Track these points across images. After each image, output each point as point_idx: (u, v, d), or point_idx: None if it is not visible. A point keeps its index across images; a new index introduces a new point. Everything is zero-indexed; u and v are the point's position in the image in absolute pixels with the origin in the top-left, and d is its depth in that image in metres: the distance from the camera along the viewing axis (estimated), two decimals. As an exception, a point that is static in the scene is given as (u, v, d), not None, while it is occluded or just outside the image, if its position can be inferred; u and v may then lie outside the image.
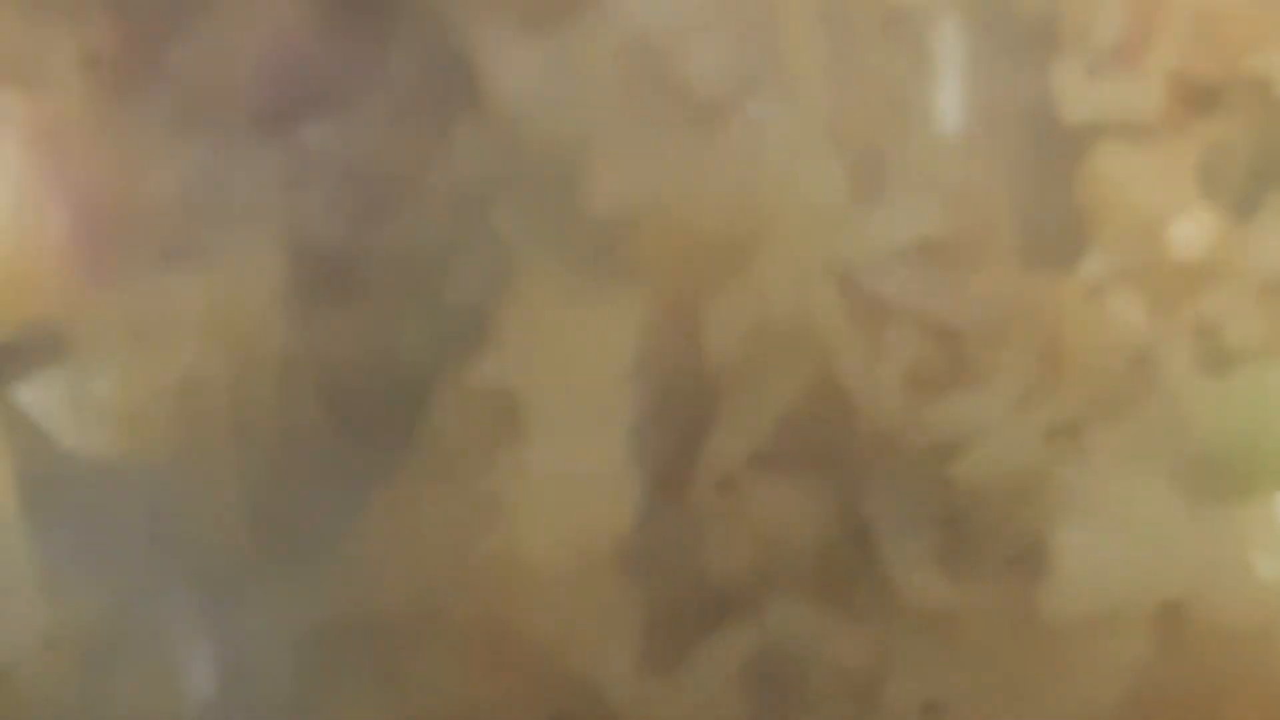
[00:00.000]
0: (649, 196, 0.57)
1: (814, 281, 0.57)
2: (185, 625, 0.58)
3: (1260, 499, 0.56)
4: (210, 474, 0.58)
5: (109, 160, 0.60)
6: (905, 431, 0.57)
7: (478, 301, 0.57)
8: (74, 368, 0.60)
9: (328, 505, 0.56)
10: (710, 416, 0.57)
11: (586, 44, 0.58)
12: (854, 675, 0.56)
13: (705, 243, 0.57)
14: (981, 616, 0.56)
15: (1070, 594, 0.54)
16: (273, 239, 0.59)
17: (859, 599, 0.57)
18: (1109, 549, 0.55)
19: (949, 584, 0.56)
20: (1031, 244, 0.60)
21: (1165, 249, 0.61)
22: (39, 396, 0.59)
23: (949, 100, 0.62)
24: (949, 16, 0.63)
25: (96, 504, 0.58)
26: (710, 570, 0.57)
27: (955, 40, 0.62)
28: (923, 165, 0.60)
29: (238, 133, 0.59)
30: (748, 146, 0.58)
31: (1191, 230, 0.61)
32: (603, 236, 0.58)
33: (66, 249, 0.59)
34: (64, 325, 0.59)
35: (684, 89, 0.59)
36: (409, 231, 0.59)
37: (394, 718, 0.56)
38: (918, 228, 0.59)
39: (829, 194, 0.58)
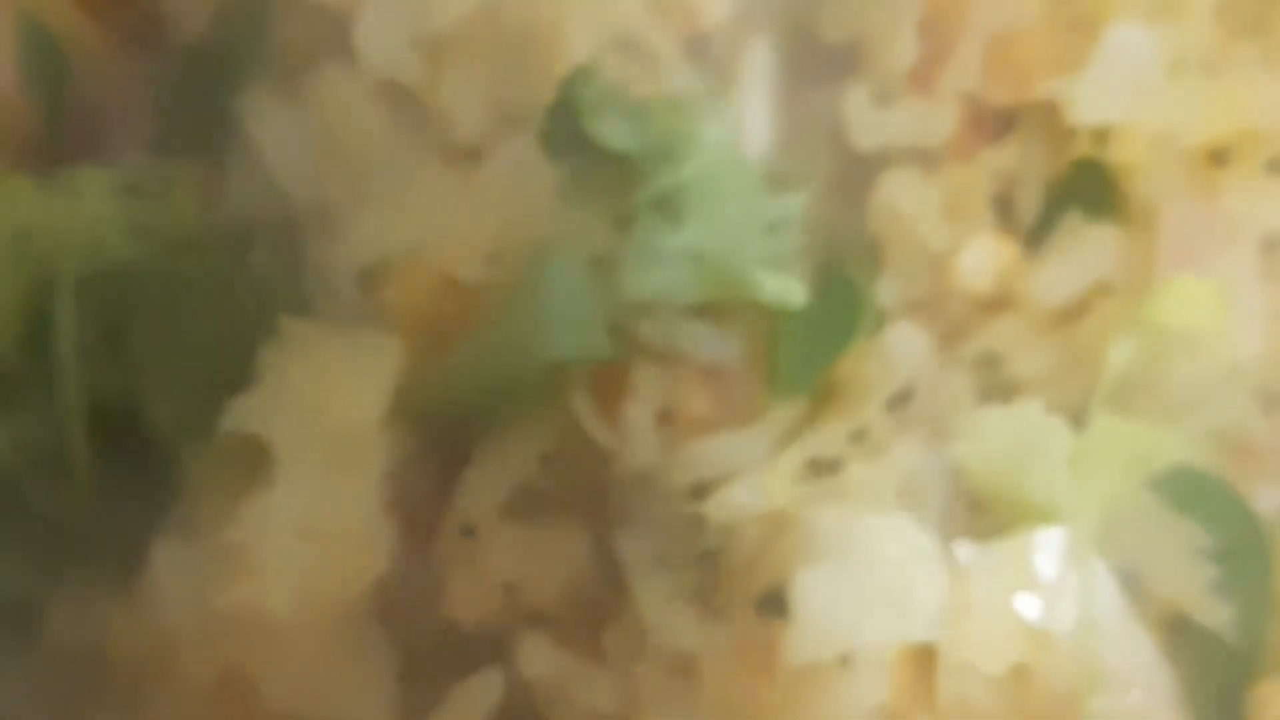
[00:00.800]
0: (405, 241, 0.57)
1: (570, 324, 0.57)
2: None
3: (1019, 537, 0.55)
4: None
5: None
6: (661, 472, 0.57)
7: (237, 345, 0.57)
8: None
9: (75, 555, 0.57)
10: (462, 462, 0.57)
11: (339, 89, 0.58)
12: (602, 718, 0.56)
13: (461, 287, 0.57)
14: (727, 659, 0.55)
15: (809, 636, 0.54)
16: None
17: (609, 641, 0.56)
18: (852, 590, 0.54)
19: (698, 626, 0.55)
20: (818, 276, 0.59)
21: (953, 280, 0.59)
22: None
23: (750, 127, 0.62)
24: (754, 39, 0.62)
25: None
26: (460, 616, 0.56)
27: (758, 66, 0.62)
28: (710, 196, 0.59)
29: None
30: (507, 188, 0.58)
31: (980, 260, 0.60)
32: (358, 280, 0.58)
33: None
34: None
35: (440, 130, 0.58)
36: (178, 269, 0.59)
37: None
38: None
39: (594, 235, 0.58)
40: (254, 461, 0.55)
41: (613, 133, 0.58)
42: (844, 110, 0.61)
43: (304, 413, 0.55)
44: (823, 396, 0.58)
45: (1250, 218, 0.59)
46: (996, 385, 0.58)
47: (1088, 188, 0.59)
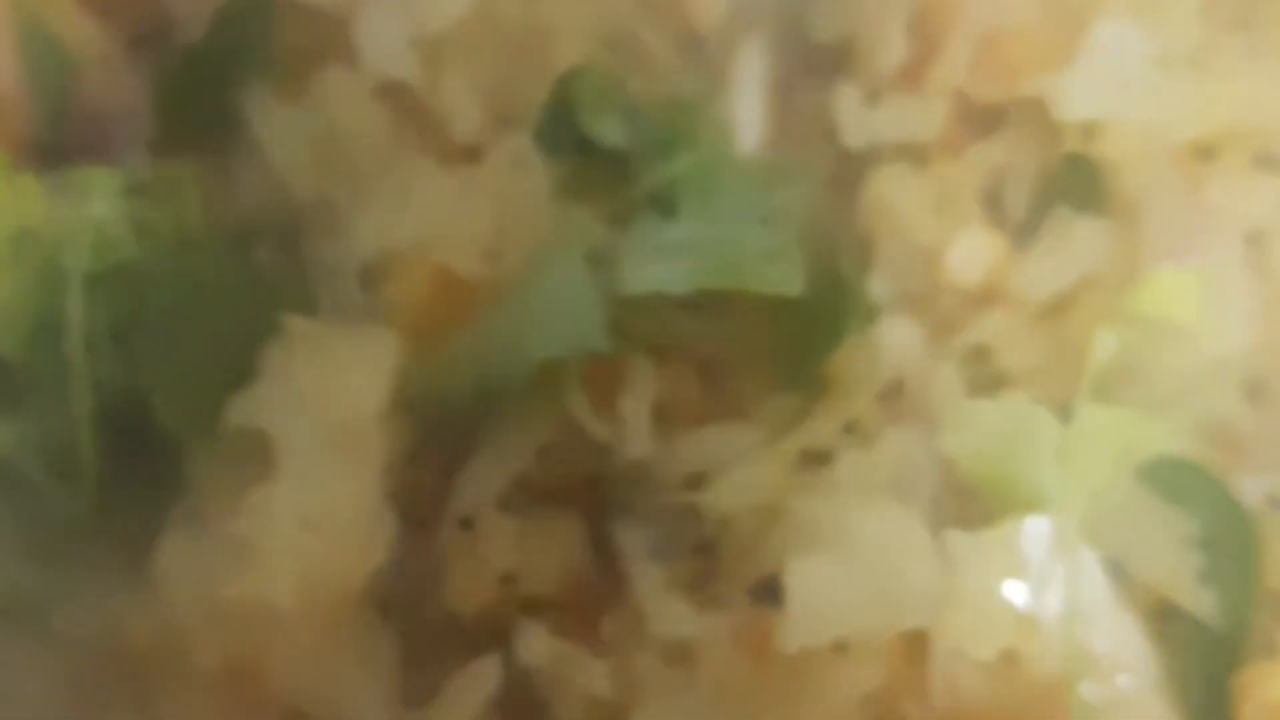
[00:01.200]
0: (405, 238, 0.58)
1: (567, 318, 0.58)
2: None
3: (1008, 526, 0.56)
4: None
5: None
6: (657, 463, 0.58)
7: (241, 342, 0.57)
8: None
9: (84, 548, 0.58)
10: (461, 455, 0.58)
11: (340, 89, 0.59)
12: (601, 705, 0.57)
13: (460, 283, 0.58)
14: (723, 647, 0.56)
15: (804, 624, 0.54)
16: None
17: (607, 630, 0.57)
18: (846, 579, 0.55)
19: (695, 614, 0.56)
20: (813, 271, 0.60)
21: (943, 274, 0.60)
22: None
23: (743, 126, 0.63)
24: (747, 39, 0.63)
25: None
26: (459, 605, 0.57)
27: (752, 65, 0.63)
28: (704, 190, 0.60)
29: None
30: (504, 185, 0.59)
31: (970, 254, 0.61)
32: (359, 277, 0.59)
33: None
34: None
35: (439, 129, 0.59)
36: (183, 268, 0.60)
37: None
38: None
39: (591, 231, 0.59)
40: (258, 456, 0.56)
41: (608, 130, 0.59)
42: (835, 108, 0.62)
43: (306, 407, 0.56)
44: (816, 389, 0.59)
45: (1236, 211, 0.60)
46: (986, 377, 0.59)
47: (1076, 183, 0.60)
